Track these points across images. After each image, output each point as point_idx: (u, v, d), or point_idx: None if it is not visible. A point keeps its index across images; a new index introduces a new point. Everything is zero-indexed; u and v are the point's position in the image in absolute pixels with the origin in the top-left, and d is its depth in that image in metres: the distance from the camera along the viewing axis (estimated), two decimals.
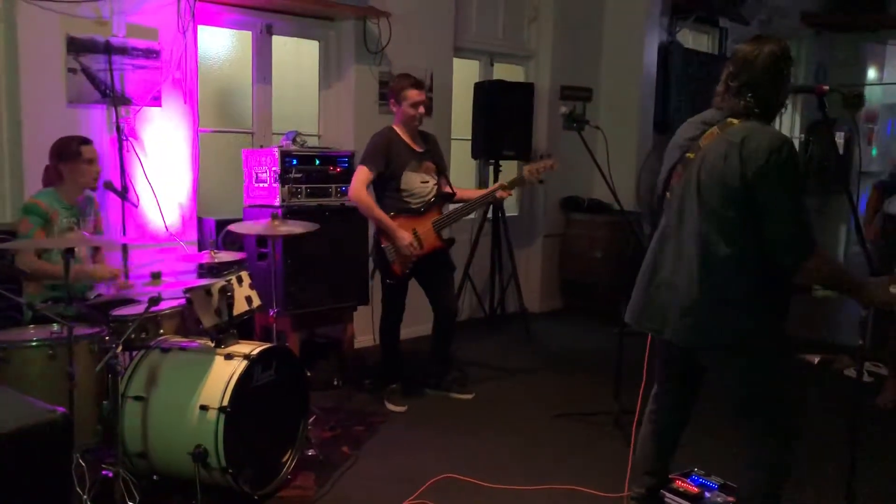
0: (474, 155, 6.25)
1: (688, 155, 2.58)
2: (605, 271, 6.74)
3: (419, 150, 4.37)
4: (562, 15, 6.80)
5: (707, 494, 3.15)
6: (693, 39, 8.05)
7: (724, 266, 2.43)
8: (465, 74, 6.36)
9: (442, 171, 4.50)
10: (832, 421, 4.12)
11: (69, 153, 3.71)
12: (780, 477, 2.54)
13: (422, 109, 4.32)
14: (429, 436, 4.02)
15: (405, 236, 4.21)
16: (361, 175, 4.21)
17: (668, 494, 3.03)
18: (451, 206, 4.51)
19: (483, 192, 4.57)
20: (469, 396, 4.60)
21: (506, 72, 6.64)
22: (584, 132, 4.16)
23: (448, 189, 4.49)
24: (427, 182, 4.36)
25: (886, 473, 3.63)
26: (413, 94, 4.27)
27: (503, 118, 6.06)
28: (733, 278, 2.43)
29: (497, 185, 4.58)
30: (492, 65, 6.61)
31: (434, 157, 4.45)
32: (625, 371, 4.04)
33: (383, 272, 4.34)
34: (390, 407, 4.37)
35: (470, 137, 6.22)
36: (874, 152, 10.43)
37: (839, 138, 9.54)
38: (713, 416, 3.04)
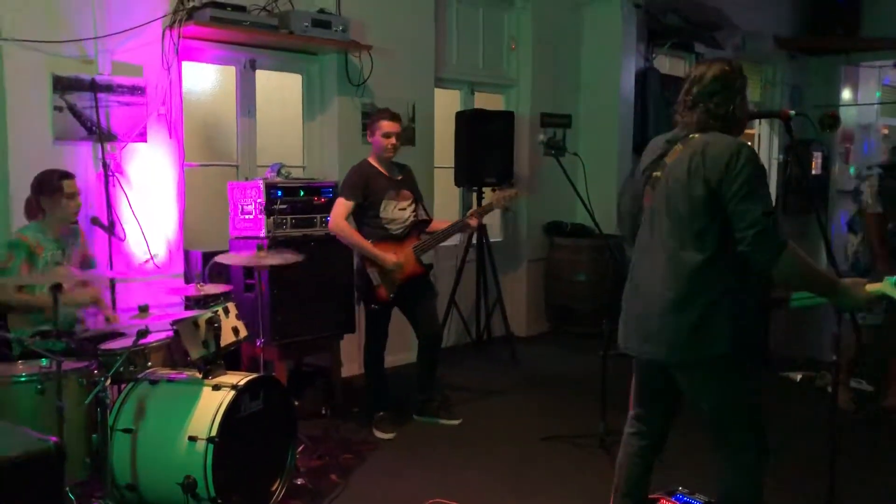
0: (457, 183, 6.34)
1: (655, 174, 2.67)
2: (589, 294, 6.81)
3: (396, 178, 4.47)
4: (540, 43, 6.94)
5: None
6: (669, 65, 8.21)
7: (697, 276, 2.50)
8: (446, 104, 6.46)
9: (418, 200, 4.60)
10: (815, 438, 4.18)
11: (50, 188, 3.76)
12: (753, 493, 2.60)
13: (393, 140, 4.40)
14: (417, 462, 4.05)
15: (389, 256, 4.30)
16: (340, 206, 4.31)
17: None
18: (427, 234, 4.60)
19: (455, 221, 4.69)
20: (457, 422, 4.63)
21: (486, 100, 6.76)
22: (563, 158, 4.26)
23: (424, 216, 4.62)
24: (405, 209, 4.45)
25: (869, 489, 3.69)
26: (385, 125, 4.37)
27: (484, 146, 6.16)
28: (705, 290, 2.49)
29: (469, 212, 4.69)
30: (472, 94, 6.73)
31: (410, 185, 4.56)
32: (611, 393, 4.10)
33: (369, 298, 4.39)
34: (378, 434, 4.39)
35: (452, 165, 6.31)
36: (852, 171, 10.61)
37: (816, 159, 9.71)
38: (697, 435, 3.09)
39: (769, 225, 2.39)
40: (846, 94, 10.35)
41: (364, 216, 4.39)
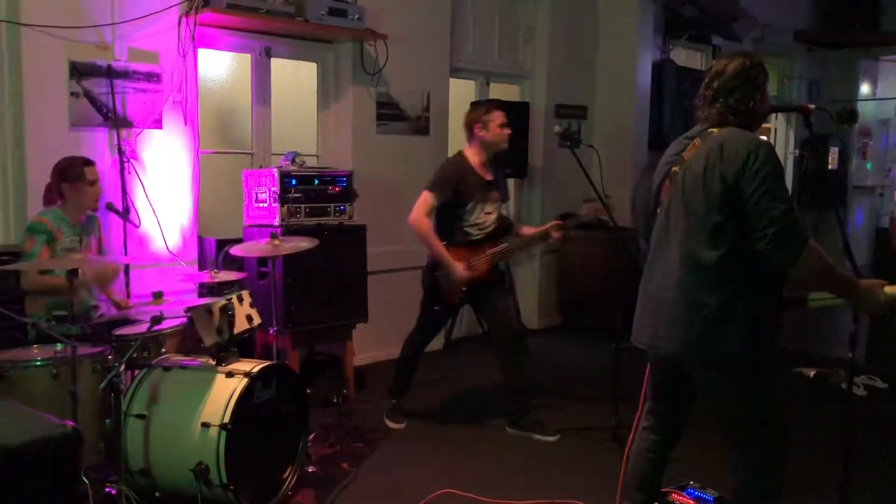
0: None
1: (673, 169, 2.65)
2: (602, 287, 6.77)
3: (488, 178, 4.25)
4: (556, 34, 6.90)
5: None
6: (686, 57, 8.14)
7: (711, 273, 2.47)
8: (461, 94, 6.44)
9: (503, 201, 4.37)
10: (830, 434, 4.16)
11: (73, 174, 3.77)
12: (773, 490, 2.59)
13: (509, 130, 4.24)
14: (428, 452, 4.05)
15: (459, 268, 4.10)
16: (425, 201, 4.09)
17: None
18: (508, 239, 4.33)
19: (538, 230, 4.39)
20: (553, 438, 4.22)
21: (501, 91, 6.73)
22: (578, 150, 4.24)
23: (506, 221, 4.40)
24: (490, 213, 4.23)
25: (882, 485, 3.66)
26: (501, 116, 4.21)
27: None
28: (720, 286, 2.47)
29: (554, 223, 4.35)
30: (488, 84, 6.70)
31: (500, 186, 4.36)
32: (624, 386, 4.08)
33: (433, 298, 4.26)
34: (389, 424, 4.39)
35: None
36: (868, 166, 10.52)
37: (833, 153, 9.63)
38: (708, 429, 3.07)
39: (789, 224, 2.36)
40: (865, 89, 10.25)
41: (447, 215, 4.16)
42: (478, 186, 4.18)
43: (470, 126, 4.24)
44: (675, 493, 3.24)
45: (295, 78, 5.61)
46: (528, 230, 4.42)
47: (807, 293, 2.67)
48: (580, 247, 6.95)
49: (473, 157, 4.23)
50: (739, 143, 2.45)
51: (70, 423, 1.57)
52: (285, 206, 4.44)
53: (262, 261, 4.47)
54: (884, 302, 2.53)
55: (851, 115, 9.58)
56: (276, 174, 4.43)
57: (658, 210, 2.72)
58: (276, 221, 4.44)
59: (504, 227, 4.33)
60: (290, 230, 4.39)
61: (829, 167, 9.70)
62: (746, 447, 2.60)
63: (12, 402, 1.60)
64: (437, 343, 6.14)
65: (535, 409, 4.47)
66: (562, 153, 6.12)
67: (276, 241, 3.88)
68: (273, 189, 4.44)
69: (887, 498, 3.56)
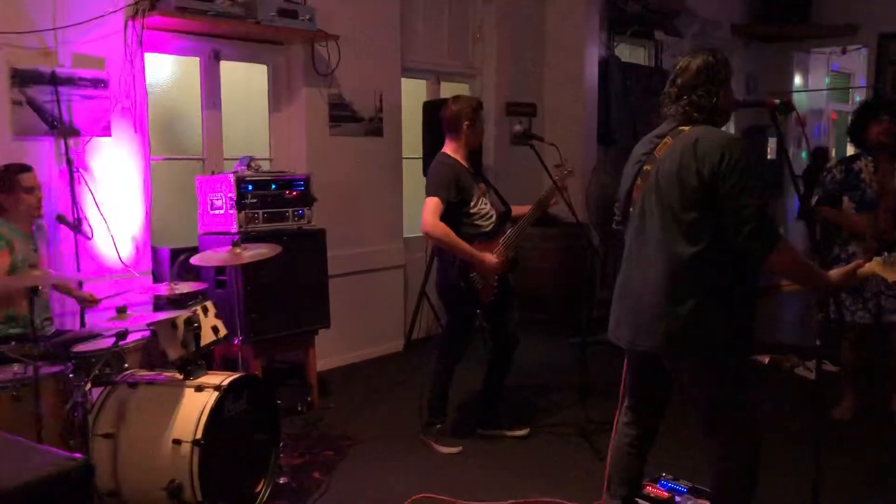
0: (426, 173, 6.28)
1: (645, 167, 2.68)
2: (558, 283, 6.84)
3: (473, 171, 4.19)
4: (505, 32, 6.92)
5: (678, 499, 3.23)
6: (630, 53, 8.27)
7: (688, 268, 2.51)
8: (413, 93, 6.41)
9: (492, 188, 4.28)
10: (790, 420, 4.27)
11: (7, 183, 3.65)
12: (750, 476, 2.65)
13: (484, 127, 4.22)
14: (399, 456, 4.02)
15: (489, 258, 3.98)
16: (433, 206, 3.92)
17: (640, 501, 3.09)
18: (510, 224, 4.24)
19: (535, 204, 4.24)
20: (524, 432, 4.28)
21: (452, 90, 6.71)
22: (536, 146, 4.24)
23: (501, 207, 4.27)
24: (487, 203, 4.15)
25: (847, 473, 3.77)
26: (482, 115, 4.18)
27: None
28: (698, 281, 2.51)
29: (546, 191, 4.25)
30: (439, 83, 6.68)
31: (483, 176, 4.29)
32: (589, 381, 4.12)
33: (471, 302, 4.07)
34: (442, 450, 4.08)
35: (420, 156, 6.26)
36: (804, 155, 10.85)
37: (771, 144, 9.91)
38: (680, 421, 3.12)
39: (763, 220, 2.42)
40: (798, 81, 10.57)
41: (456, 215, 4.01)
42: (472, 179, 4.12)
43: (457, 121, 4.12)
44: (649, 485, 3.29)
45: (246, 81, 5.50)
46: (520, 208, 4.30)
47: (779, 282, 2.74)
48: (535, 243, 6.99)
49: (457, 153, 4.15)
50: (714, 141, 2.50)
51: (78, 455, 1.50)
52: (243, 213, 4.34)
53: (219, 269, 4.37)
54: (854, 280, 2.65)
55: (787, 107, 9.85)
56: (232, 180, 4.33)
57: (630, 209, 2.75)
58: (234, 228, 4.34)
59: (504, 214, 4.24)
60: (248, 237, 4.30)
61: (769, 157, 9.99)
62: (724, 437, 2.65)
63: (11, 437, 1.52)
64: (396, 344, 6.13)
65: (505, 406, 4.46)
66: (515, 150, 6.16)
67: (238, 250, 3.79)
68: (229, 195, 4.34)
69: (851, 475, 3.67)
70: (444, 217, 3.92)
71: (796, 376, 5.26)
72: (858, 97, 10.61)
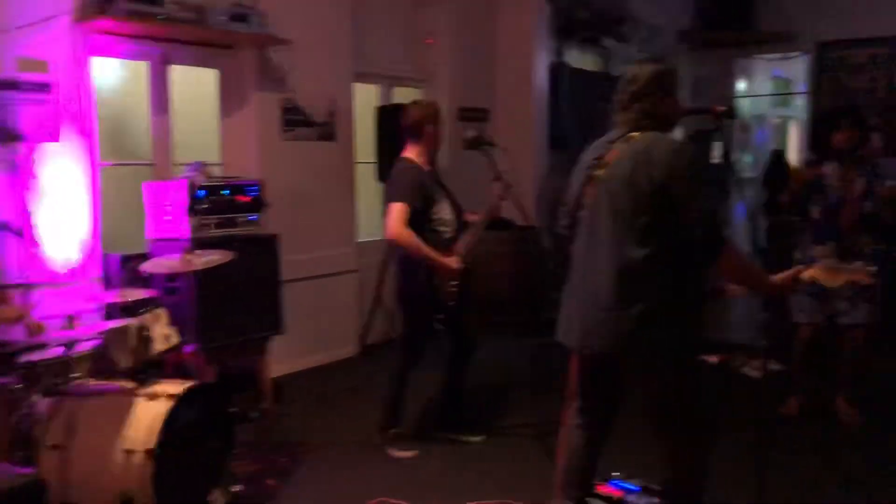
0: (381, 178, 6.28)
1: (596, 172, 2.74)
2: (511, 286, 6.90)
3: (434, 176, 4.19)
4: (457, 38, 6.98)
5: (630, 497, 3.30)
6: (580, 59, 8.39)
7: (639, 270, 2.58)
8: (366, 99, 6.41)
9: (449, 193, 4.25)
10: (736, 418, 4.38)
11: None
12: (702, 473, 2.72)
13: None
14: (355, 462, 4.02)
15: (455, 264, 4.00)
16: (399, 212, 3.90)
17: (592, 501, 3.15)
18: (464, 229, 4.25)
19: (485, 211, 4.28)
20: (480, 438, 4.29)
21: (405, 95, 6.74)
22: (487, 152, 4.29)
23: (459, 212, 4.27)
24: (448, 208, 4.16)
25: (791, 470, 3.89)
26: (442, 119, 4.16)
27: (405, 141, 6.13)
28: (649, 283, 2.58)
29: (494, 198, 4.29)
30: (391, 88, 6.70)
31: (441, 181, 4.28)
32: (543, 382, 4.18)
33: (431, 308, 4.12)
34: (398, 454, 4.09)
35: (373, 161, 6.26)
36: (749, 159, 11.12)
37: (717, 148, 10.14)
38: (631, 420, 3.18)
39: (713, 224, 2.51)
40: (741, 86, 10.84)
41: (418, 221, 3.98)
42: (435, 185, 4.12)
43: (419, 126, 4.11)
44: (600, 485, 3.34)
45: (195, 85, 5.44)
46: (473, 215, 4.31)
47: (725, 286, 2.84)
48: (487, 246, 7.02)
49: (420, 157, 4.13)
50: (664, 147, 2.58)
51: (28, 470, 1.47)
52: (195, 218, 4.30)
53: (170, 275, 4.31)
54: (796, 285, 2.73)
55: (731, 113, 10.10)
56: (184, 185, 4.29)
57: (581, 213, 2.81)
58: (186, 234, 4.29)
59: (463, 220, 4.25)
60: (201, 243, 4.25)
61: (714, 161, 10.21)
62: (675, 436, 2.73)
63: None
64: (350, 349, 6.12)
65: (464, 410, 4.47)
66: (468, 154, 6.18)
67: (190, 256, 3.75)
68: (181, 201, 4.29)
69: (793, 474, 3.78)
70: (410, 222, 3.91)
71: (743, 375, 5.40)
72: (798, 103, 10.94)
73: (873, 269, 2.72)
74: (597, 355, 2.76)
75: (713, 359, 5.55)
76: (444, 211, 4.12)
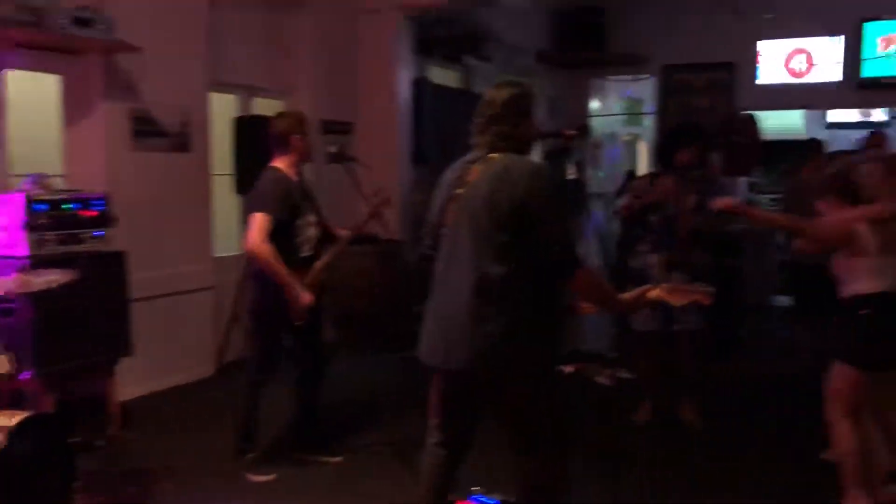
0: (239, 191, 6.10)
1: (457, 191, 2.78)
2: (375, 300, 6.87)
3: (303, 187, 4.06)
4: (319, 49, 6.91)
5: None
6: (442, 76, 8.51)
7: (499, 289, 2.62)
8: (223, 109, 6.22)
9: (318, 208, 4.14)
10: (590, 427, 4.55)
11: None
12: (561, 484, 2.80)
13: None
14: (211, 488, 3.87)
15: (306, 298, 3.87)
16: (262, 223, 3.74)
17: None
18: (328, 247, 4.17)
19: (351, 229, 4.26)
20: (338, 458, 4.20)
21: (265, 106, 6.59)
22: (349, 167, 4.27)
23: (326, 227, 4.18)
24: (312, 225, 4.04)
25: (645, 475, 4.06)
26: (308, 128, 4.07)
27: (265, 152, 5.93)
28: (508, 299, 2.63)
29: (361, 221, 4.32)
30: (251, 99, 6.54)
31: (312, 194, 4.15)
32: (407, 398, 4.17)
33: (280, 326, 3.99)
34: (256, 479, 3.95)
35: (230, 172, 6.07)
36: (602, 174, 11.64)
37: (570, 166, 10.54)
38: (490, 436, 3.23)
39: (568, 244, 2.60)
40: (595, 105, 11.35)
41: (282, 234, 3.83)
42: (302, 198, 3.99)
43: (286, 136, 4.00)
44: (459, 500, 3.37)
45: (34, 91, 5.09)
46: (343, 230, 4.24)
47: (578, 303, 2.93)
48: (349, 261, 6.98)
49: (289, 168, 4.01)
50: (522, 168, 2.65)
51: None
52: (34, 235, 4.01)
53: (3, 297, 4.00)
54: (642, 304, 2.87)
55: (585, 130, 10.56)
56: (21, 199, 3.99)
57: (442, 232, 2.83)
58: (23, 252, 4.00)
59: (324, 238, 4.14)
60: (39, 261, 3.97)
61: (569, 177, 10.60)
62: (534, 451, 2.78)
63: None
64: (206, 369, 5.89)
65: (322, 430, 4.39)
66: (330, 168, 6.12)
67: (26, 276, 3.49)
68: (18, 216, 4.00)
69: (645, 481, 3.95)
70: (270, 235, 3.78)
71: (597, 384, 5.60)
72: (647, 122, 11.57)
73: (712, 289, 2.88)
74: (458, 372, 2.78)
75: (569, 368, 5.72)
76: (307, 225, 4.03)
